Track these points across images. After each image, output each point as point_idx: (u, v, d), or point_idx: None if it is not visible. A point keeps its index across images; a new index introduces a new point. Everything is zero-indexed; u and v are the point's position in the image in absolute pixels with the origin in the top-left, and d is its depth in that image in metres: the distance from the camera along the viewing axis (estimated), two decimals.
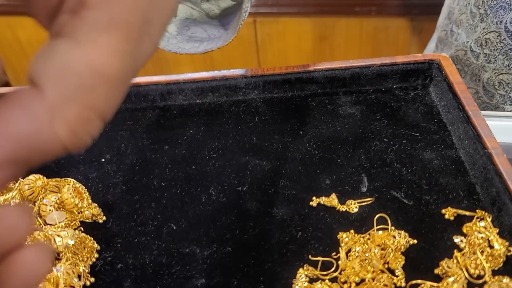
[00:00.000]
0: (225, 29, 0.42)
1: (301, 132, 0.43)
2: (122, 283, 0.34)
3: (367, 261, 0.32)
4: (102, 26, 0.16)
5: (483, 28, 0.55)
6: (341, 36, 1.03)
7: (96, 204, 0.38)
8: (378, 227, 0.34)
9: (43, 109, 0.15)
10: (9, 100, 0.16)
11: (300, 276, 0.32)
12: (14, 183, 0.39)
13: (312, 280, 0.32)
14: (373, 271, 0.31)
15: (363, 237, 0.34)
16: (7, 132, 0.15)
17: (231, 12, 0.43)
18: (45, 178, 0.39)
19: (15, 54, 1.31)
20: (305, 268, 0.33)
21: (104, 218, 0.38)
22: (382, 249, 0.33)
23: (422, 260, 0.32)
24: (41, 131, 0.15)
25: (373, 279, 0.31)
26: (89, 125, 0.16)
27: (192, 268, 0.34)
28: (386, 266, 0.32)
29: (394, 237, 0.33)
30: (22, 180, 0.38)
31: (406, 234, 0.33)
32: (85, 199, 0.38)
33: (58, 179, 0.39)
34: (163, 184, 0.41)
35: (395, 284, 0.31)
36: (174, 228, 0.37)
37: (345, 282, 0.32)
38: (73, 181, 0.38)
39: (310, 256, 0.33)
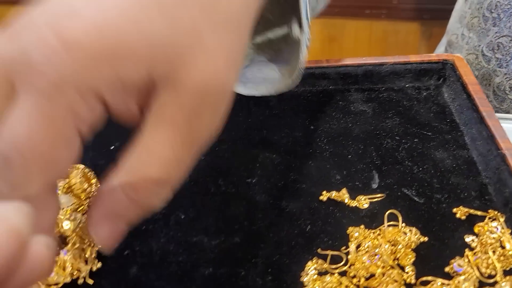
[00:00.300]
0: (279, 71, 0.41)
1: (312, 127, 0.42)
2: (129, 269, 0.34)
3: (377, 256, 0.31)
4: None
5: (496, 32, 0.55)
6: (350, 38, 1.03)
7: None
8: (388, 223, 0.34)
9: None
10: None
11: (309, 268, 0.32)
12: None
13: (321, 273, 0.32)
14: (383, 267, 0.31)
15: (374, 233, 0.33)
16: None
17: (283, 47, 0.41)
18: None
19: None
20: (314, 261, 0.32)
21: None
22: (392, 245, 0.32)
23: (433, 258, 0.32)
24: None
25: (383, 274, 0.30)
26: None
27: (199, 257, 0.34)
28: (396, 262, 0.32)
29: (405, 233, 0.33)
30: None
31: (418, 231, 0.33)
32: (94, 185, 0.38)
33: None
34: None
35: (405, 280, 0.31)
36: (182, 217, 0.37)
37: (354, 276, 0.31)
38: (83, 166, 0.38)
39: (319, 250, 0.33)
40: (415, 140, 0.40)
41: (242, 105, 0.45)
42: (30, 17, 0.21)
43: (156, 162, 0.23)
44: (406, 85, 0.45)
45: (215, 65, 0.23)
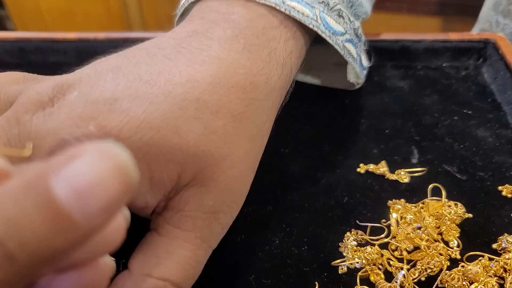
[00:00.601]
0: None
1: (346, 101, 0.41)
2: None
3: (421, 229, 0.30)
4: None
5: None
6: (367, 31, 1.01)
7: None
8: (431, 198, 0.32)
9: None
10: None
11: (348, 239, 0.30)
12: None
13: (360, 245, 0.30)
14: (427, 240, 0.29)
15: (416, 206, 0.32)
16: None
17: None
18: None
19: (34, 23, 1.29)
20: (353, 232, 0.31)
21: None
22: (436, 219, 0.31)
23: (478, 235, 0.30)
24: None
25: (428, 247, 0.29)
26: None
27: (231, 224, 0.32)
28: (440, 237, 0.30)
29: (450, 207, 0.31)
30: None
31: (463, 206, 0.31)
32: None
33: None
34: None
35: (449, 255, 0.29)
36: None
37: (396, 249, 0.30)
38: None
39: (357, 221, 0.31)
40: (455, 118, 0.39)
41: None
42: (69, 102, 0.22)
43: (175, 264, 0.24)
44: (444, 64, 0.43)
45: (239, 171, 0.26)
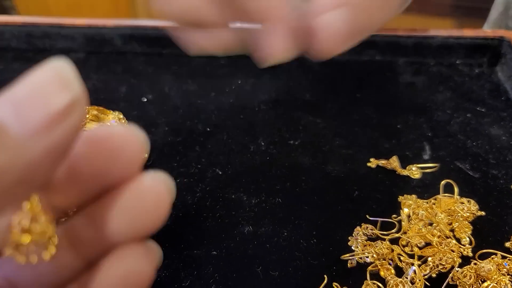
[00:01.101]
0: None
1: (357, 95, 0.40)
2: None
3: (433, 225, 0.29)
4: None
5: None
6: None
7: None
8: (444, 194, 0.32)
9: None
10: None
11: (358, 233, 0.30)
12: None
13: (370, 239, 0.30)
14: (439, 236, 0.29)
15: (427, 202, 0.31)
16: None
17: None
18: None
19: (40, 14, 1.29)
20: (363, 226, 0.30)
21: (146, 155, 0.35)
22: (448, 216, 0.30)
23: (490, 232, 0.30)
24: None
25: (440, 244, 0.28)
26: None
27: (238, 214, 0.32)
28: (452, 234, 0.30)
29: (463, 204, 0.30)
30: None
31: (476, 203, 0.31)
32: None
33: (99, 108, 0.36)
34: (208, 129, 0.38)
35: (461, 252, 0.29)
36: (220, 173, 0.35)
37: (407, 245, 0.29)
38: (118, 112, 0.36)
39: (367, 216, 0.31)
40: (468, 115, 0.38)
41: (283, 68, 0.43)
42: None
43: None
44: (457, 62, 0.43)
45: None
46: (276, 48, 0.21)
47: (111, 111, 0.36)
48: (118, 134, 0.14)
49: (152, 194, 0.15)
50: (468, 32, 0.42)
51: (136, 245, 0.15)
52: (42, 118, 0.11)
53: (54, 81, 0.12)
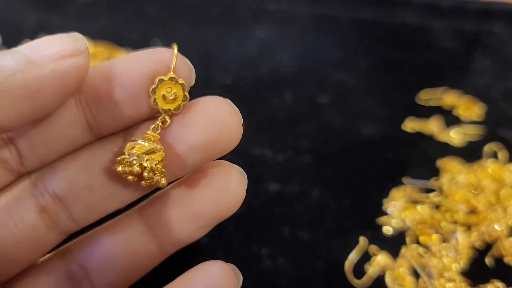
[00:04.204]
0: None
1: (390, 57, 0.37)
2: None
3: (478, 190, 0.27)
4: None
5: None
6: None
7: None
8: (488, 160, 0.29)
9: None
10: None
11: (395, 197, 0.27)
12: None
13: (408, 204, 0.27)
14: (483, 203, 0.27)
15: (470, 167, 0.29)
16: None
17: None
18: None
19: None
20: (400, 190, 0.28)
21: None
22: (493, 182, 0.28)
23: None
24: None
25: (485, 211, 0.26)
26: None
27: (262, 171, 0.29)
28: (497, 202, 0.27)
29: (510, 171, 0.28)
30: None
31: None
32: None
33: (110, 46, 0.33)
34: (228, 82, 0.35)
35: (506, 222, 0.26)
36: (243, 127, 0.32)
37: (448, 210, 0.27)
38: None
39: (404, 179, 0.28)
40: (509, 82, 0.35)
41: (310, 24, 0.40)
42: None
43: None
44: (497, 28, 0.40)
45: None
46: None
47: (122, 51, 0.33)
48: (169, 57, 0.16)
49: (228, 185, 0.16)
50: None
51: (220, 264, 0.15)
52: (54, 53, 0.15)
53: (66, 36, 0.15)
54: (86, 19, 0.41)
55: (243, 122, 0.32)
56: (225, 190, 0.16)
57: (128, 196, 0.16)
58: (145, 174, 0.15)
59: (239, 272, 0.16)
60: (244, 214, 0.27)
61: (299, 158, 0.30)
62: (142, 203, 0.17)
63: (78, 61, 0.15)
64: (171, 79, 0.16)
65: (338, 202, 0.27)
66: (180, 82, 0.16)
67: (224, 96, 0.34)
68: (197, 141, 0.16)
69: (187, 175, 0.17)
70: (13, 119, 0.14)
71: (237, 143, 0.16)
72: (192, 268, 0.15)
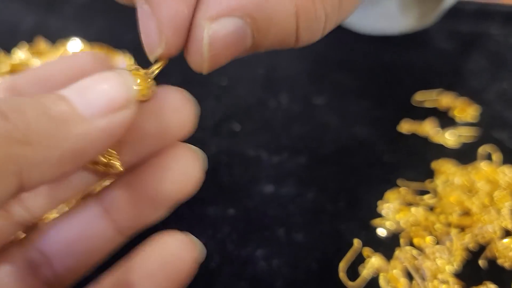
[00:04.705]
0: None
1: (390, 57, 0.37)
2: None
3: (472, 191, 0.27)
4: None
5: None
6: None
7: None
8: (482, 162, 0.29)
9: None
10: None
11: (389, 199, 0.27)
12: None
13: (403, 206, 0.27)
14: (478, 205, 0.27)
15: (465, 169, 0.29)
16: None
17: None
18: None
19: None
20: (395, 191, 0.28)
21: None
22: (487, 184, 0.28)
23: None
24: None
25: (480, 213, 0.26)
26: None
27: (257, 172, 0.29)
28: (491, 204, 0.27)
29: (504, 173, 0.28)
30: None
31: None
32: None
33: (105, 48, 0.33)
34: (224, 82, 0.35)
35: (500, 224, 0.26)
36: (238, 128, 0.32)
37: (442, 212, 0.27)
38: (129, 57, 0.33)
39: (399, 181, 0.29)
40: (505, 86, 0.35)
41: None
42: None
43: None
44: (493, 29, 0.40)
45: None
46: (151, 38, 0.16)
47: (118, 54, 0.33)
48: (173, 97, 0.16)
49: (184, 167, 0.16)
50: (508, 0, 0.39)
51: (176, 234, 0.16)
52: (103, 106, 0.13)
53: (117, 79, 0.14)
54: (82, 21, 0.41)
55: (237, 123, 0.32)
56: (181, 172, 0.16)
57: (85, 183, 0.16)
58: (101, 158, 0.15)
59: (200, 242, 0.16)
60: (239, 216, 0.27)
61: (294, 159, 0.30)
62: (98, 189, 0.17)
63: (128, 114, 0.14)
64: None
65: (333, 203, 0.28)
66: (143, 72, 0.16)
67: (220, 98, 0.34)
68: (149, 128, 0.16)
69: (143, 160, 0.17)
70: (47, 178, 0.13)
71: (191, 130, 0.17)
72: (147, 241, 0.15)
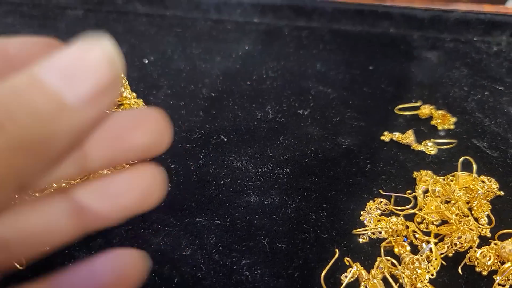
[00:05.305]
0: None
1: (370, 68, 0.38)
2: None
3: (451, 202, 0.28)
4: None
5: None
6: None
7: (139, 99, 0.33)
8: (462, 172, 0.30)
9: None
10: None
11: (371, 208, 0.28)
12: None
13: (384, 215, 0.28)
14: (457, 214, 0.27)
15: (445, 179, 0.29)
16: None
17: None
18: None
19: None
20: (376, 201, 0.29)
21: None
22: (467, 193, 0.29)
23: (510, 213, 0.28)
24: None
25: (459, 222, 0.27)
26: None
27: (243, 183, 0.30)
28: (470, 212, 0.28)
29: (483, 182, 0.29)
30: None
31: (496, 182, 0.29)
32: (127, 91, 0.33)
33: None
34: (213, 94, 0.36)
35: (479, 232, 0.27)
36: (225, 140, 0.32)
37: (422, 222, 0.27)
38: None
39: (381, 190, 0.29)
40: (486, 93, 0.36)
41: (293, 36, 0.41)
42: None
43: None
44: (474, 39, 0.41)
45: None
46: None
47: None
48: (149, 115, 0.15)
49: (147, 184, 0.16)
50: (489, 8, 0.40)
51: (129, 250, 0.16)
52: (91, 89, 0.12)
53: (103, 58, 0.12)
54: (75, 34, 0.41)
55: (225, 135, 0.33)
56: (148, 185, 0.17)
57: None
58: None
59: (148, 259, 0.16)
60: (225, 226, 0.28)
61: (278, 170, 0.31)
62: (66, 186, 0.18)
63: (114, 95, 0.12)
64: None
65: (315, 213, 0.28)
66: None
67: (209, 110, 0.35)
68: (121, 143, 0.16)
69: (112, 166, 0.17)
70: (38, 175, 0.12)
71: (166, 148, 0.17)
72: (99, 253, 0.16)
